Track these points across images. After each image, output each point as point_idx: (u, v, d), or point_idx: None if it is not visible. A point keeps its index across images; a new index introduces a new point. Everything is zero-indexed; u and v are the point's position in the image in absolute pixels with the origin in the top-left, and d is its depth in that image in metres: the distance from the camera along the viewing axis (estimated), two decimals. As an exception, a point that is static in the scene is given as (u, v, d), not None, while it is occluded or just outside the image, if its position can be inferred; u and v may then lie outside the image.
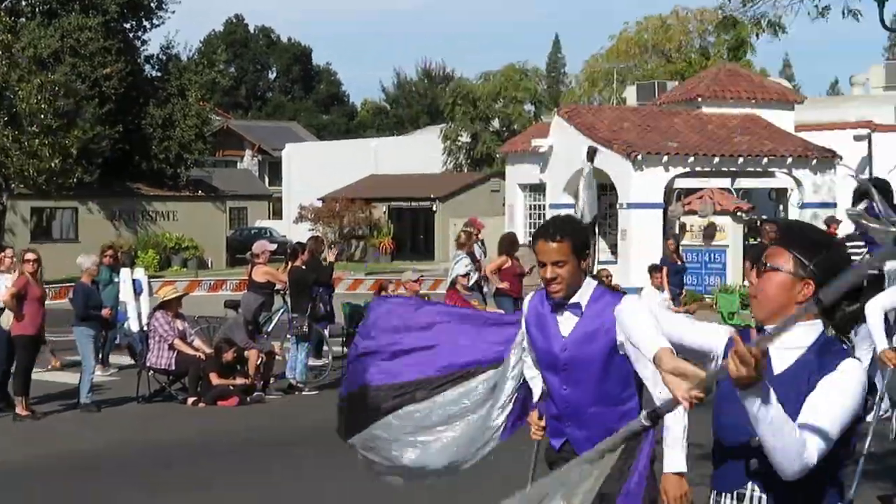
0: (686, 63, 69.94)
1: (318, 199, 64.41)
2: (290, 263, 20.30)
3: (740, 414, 4.21)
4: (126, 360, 21.59)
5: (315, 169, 69.28)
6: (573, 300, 6.61)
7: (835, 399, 4.36)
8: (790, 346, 4.51)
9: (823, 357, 4.48)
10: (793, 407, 4.29)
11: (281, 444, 14.71)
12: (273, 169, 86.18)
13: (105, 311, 18.21)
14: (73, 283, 20.73)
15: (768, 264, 4.62)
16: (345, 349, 20.34)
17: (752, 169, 41.11)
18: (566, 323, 6.64)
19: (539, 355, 6.79)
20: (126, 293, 23.03)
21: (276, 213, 77.86)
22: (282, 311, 21.01)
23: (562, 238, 6.54)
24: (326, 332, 20.85)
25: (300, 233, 54.40)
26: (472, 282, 21.50)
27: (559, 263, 6.50)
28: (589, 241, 6.92)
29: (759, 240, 21.41)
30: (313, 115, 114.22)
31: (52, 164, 46.66)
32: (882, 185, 13.07)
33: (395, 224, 65.79)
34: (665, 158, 40.28)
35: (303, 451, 14.03)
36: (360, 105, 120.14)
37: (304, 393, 18.96)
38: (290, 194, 72.09)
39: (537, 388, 6.98)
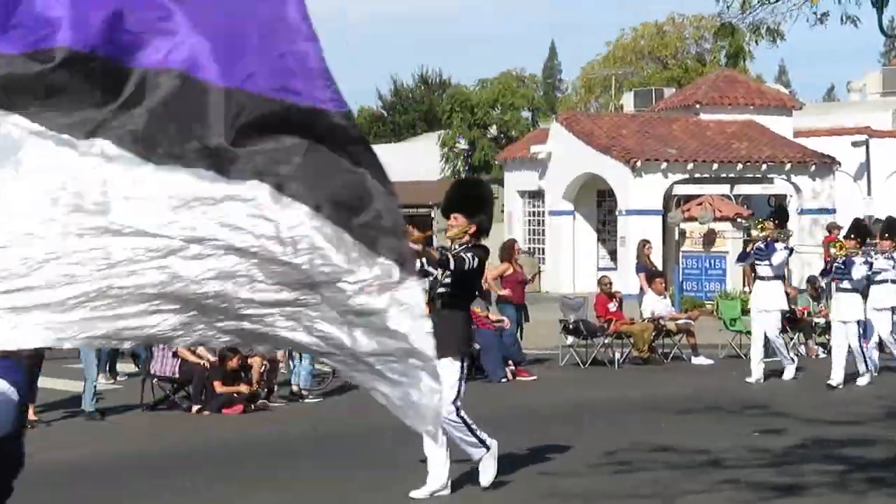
0: (682, 69, 69.98)
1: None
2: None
3: None
4: (131, 367, 21.58)
5: (313, 176, 69.09)
6: None
7: None
8: None
9: None
10: None
11: (284, 451, 14.69)
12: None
13: None
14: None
15: None
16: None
17: (751, 175, 41.15)
18: None
19: None
20: (128, 301, 23.04)
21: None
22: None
23: None
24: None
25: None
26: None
27: None
28: None
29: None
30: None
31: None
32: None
33: (394, 231, 65.67)
34: (664, 165, 40.36)
35: (306, 458, 14.02)
36: (356, 112, 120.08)
37: (307, 400, 18.94)
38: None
39: None
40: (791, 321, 24.38)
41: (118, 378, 21.31)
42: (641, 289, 24.94)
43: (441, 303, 11.43)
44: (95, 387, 17.41)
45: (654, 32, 73.42)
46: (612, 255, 43.30)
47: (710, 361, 23.21)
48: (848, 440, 14.18)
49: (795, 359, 20.88)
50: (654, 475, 12.20)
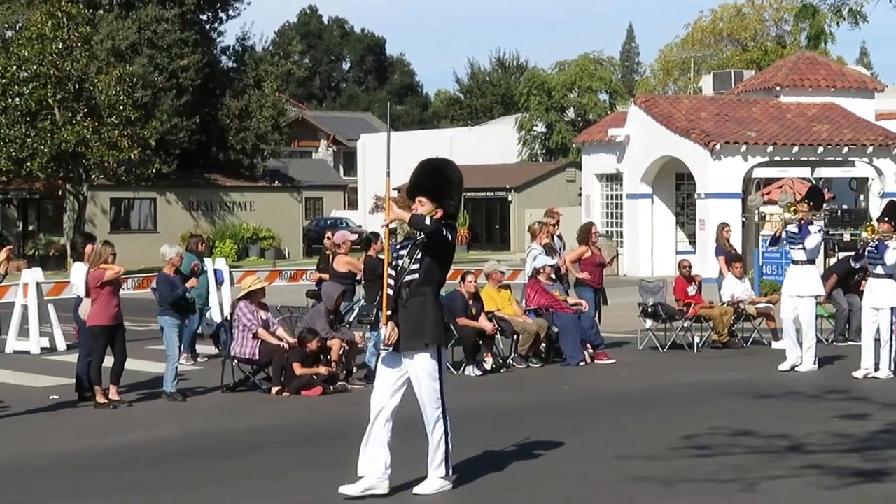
0: (761, 52, 69.38)
1: (394, 189, 64.50)
2: (365, 253, 20.42)
3: None
4: (211, 349, 21.75)
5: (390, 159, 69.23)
6: None
7: None
8: None
9: None
10: None
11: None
12: (348, 159, 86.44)
13: (190, 282, 18.34)
14: (155, 274, 20.95)
15: None
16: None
17: (832, 158, 40.76)
18: None
19: None
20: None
21: (352, 204, 78.05)
22: (362, 300, 21.02)
23: None
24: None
25: (375, 223, 54.54)
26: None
27: None
28: None
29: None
30: (387, 105, 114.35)
31: (131, 155, 47.14)
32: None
33: (471, 214, 65.78)
34: (743, 148, 40.07)
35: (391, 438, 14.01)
36: (433, 95, 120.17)
37: (383, 382, 18.93)
38: (364, 184, 72.18)
39: None
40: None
41: (198, 360, 21.51)
42: (721, 272, 24.76)
43: (408, 292, 10.76)
44: (177, 368, 17.55)
45: (733, 14, 72.83)
46: (691, 238, 43.07)
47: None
48: (932, 426, 14.03)
49: (817, 358, 19.66)
50: (734, 460, 12.12)
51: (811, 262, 19.66)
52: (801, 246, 19.41)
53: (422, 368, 10.82)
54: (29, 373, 20.28)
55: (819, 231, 19.63)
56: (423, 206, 10.81)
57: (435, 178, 10.99)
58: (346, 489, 10.79)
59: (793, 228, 19.45)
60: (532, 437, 13.53)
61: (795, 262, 19.75)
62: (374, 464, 10.85)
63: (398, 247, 11.06)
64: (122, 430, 15.16)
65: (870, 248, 18.93)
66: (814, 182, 37.89)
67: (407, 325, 10.76)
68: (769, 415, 15.18)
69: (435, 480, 10.96)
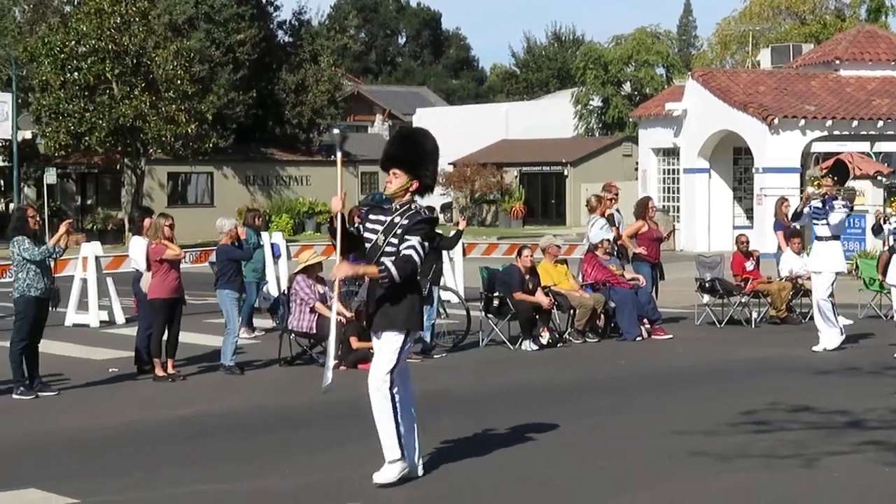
0: (820, 25, 68.77)
1: (449, 164, 64.43)
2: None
3: None
4: (268, 323, 21.85)
5: (446, 134, 68.97)
6: None
7: None
8: None
9: None
10: None
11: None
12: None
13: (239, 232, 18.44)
14: (212, 248, 21.05)
15: None
16: (483, 312, 20.39)
17: (892, 132, 40.39)
18: None
19: None
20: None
21: (407, 178, 77.98)
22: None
23: None
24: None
25: (431, 198, 54.48)
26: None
27: None
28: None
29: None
30: (443, 79, 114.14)
31: (189, 130, 47.33)
32: None
33: (527, 189, 65.65)
34: (802, 122, 39.80)
35: (438, 412, 14.04)
36: (489, 70, 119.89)
37: (435, 356, 18.94)
38: (420, 158, 72.05)
39: None
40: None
41: (255, 333, 21.60)
42: (779, 247, 24.58)
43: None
44: (236, 342, 17.62)
45: (792, -13, 72.20)
46: (748, 213, 42.84)
47: (850, 321, 22.75)
48: None
49: (843, 329, 19.52)
50: (793, 435, 12.06)
51: (836, 237, 19.34)
52: (825, 221, 19.10)
53: (386, 348, 10.35)
54: (88, 346, 20.44)
55: (843, 206, 19.29)
56: (397, 178, 10.38)
57: (408, 148, 10.57)
58: (379, 477, 10.39)
59: (817, 204, 19.12)
60: (583, 411, 13.52)
61: (819, 238, 19.37)
62: (406, 452, 10.48)
63: (368, 212, 10.62)
64: (179, 404, 15.25)
65: (890, 226, 18.58)
66: (872, 156, 37.62)
67: (382, 303, 10.39)
68: (828, 390, 15.11)
69: (391, 467, 10.41)
